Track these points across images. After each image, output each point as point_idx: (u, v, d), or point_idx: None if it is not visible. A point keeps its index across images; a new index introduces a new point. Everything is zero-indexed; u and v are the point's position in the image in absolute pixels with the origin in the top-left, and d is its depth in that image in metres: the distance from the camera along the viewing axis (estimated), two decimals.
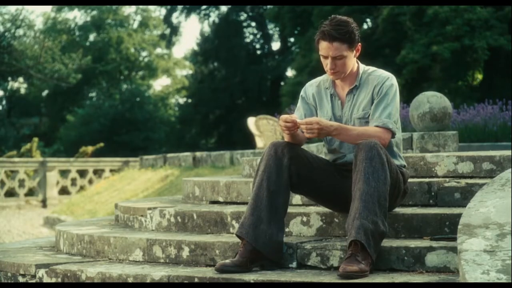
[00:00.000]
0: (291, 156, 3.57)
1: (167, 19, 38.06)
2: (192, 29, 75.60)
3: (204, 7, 34.86)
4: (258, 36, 34.70)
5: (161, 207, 4.54)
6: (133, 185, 15.30)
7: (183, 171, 13.88)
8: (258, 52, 34.18)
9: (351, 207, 3.37)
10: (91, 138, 28.62)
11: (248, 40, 34.68)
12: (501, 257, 2.63)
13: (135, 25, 40.23)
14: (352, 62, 3.67)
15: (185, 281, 3.47)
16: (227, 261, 3.48)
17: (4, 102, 36.80)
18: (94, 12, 38.73)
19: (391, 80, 3.68)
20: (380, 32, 20.26)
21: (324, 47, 3.60)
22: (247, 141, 17.99)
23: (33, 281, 4.05)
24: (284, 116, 3.54)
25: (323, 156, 3.89)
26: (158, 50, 40.00)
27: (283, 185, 3.55)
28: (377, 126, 3.58)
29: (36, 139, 23.40)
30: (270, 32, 34.48)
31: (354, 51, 3.65)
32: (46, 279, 3.95)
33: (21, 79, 36.08)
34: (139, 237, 4.09)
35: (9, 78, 34.96)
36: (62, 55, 33.52)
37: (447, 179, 4.18)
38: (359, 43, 3.67)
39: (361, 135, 3.53)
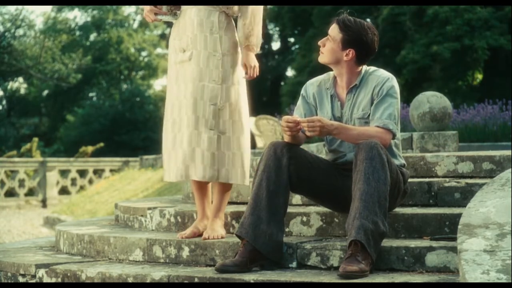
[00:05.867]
0: (290, 156, 3.58)
1: None
2: None
3: None
4: None
5: (161, 207, 4.54)
6: (133, 185, 15.30)
7: None
8: (258, 52, 34.18)
9: (351, 207, 3.37)
10: (91, 138, 28.61)
11: None
12: (501, 257, 2.63)
13: (135, 25, 40.24)
14: (338, 57, 3.67)
15: (185, 281, 3.47)
16: (227, 261, 3.48)
17: (4, 102, 36.82)
18: (94, 12, 38.74)
19: (391, 80, 3.68)
20: (380, 32, 20.15)
21: (331, 23, 3.73)
22: None
23: (33, 281, 4.05)
24: (286, 117, 3.55)
25: (323, 156, 3.89)
26: (158, 50, 40.02)
27: (283, 185, 3.55)
28: (377, 127, 3.58)
29: (36, 139, 23.42)
30: (270, 32, 34.47)
31: (345, 52, 3.65)
32: (46, 279, 3.95)
33: (21, 79, 36.10)
34: (139, 237, 4.09)
35: (9, 78, 34.97)
36: (62, 55, 33.56)
37: (447, 179, 4.18)
38: (353, 50, 3.64)
39: (362, 135, 3.53)
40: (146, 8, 4.02)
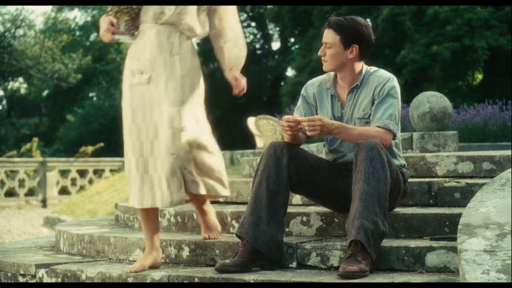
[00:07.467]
0: (290, 156, 3.58)
1: None
2: None
3: None
4: (258, 36, 34.71)
5: (161, 207, 4.54)
6: None
7: None
8: (258, 52, 34.17)
9: (351, 207, 3.37)
10: (91, 138, 28.60)
11: (248, 40, 34.68)
12: (501, 257, 2.63)
13: None
14: (344, 58, 3.67)
15: (185, 281, 3.47)
16: (227, 261, 3.48)
17: (4, 102, 36.83)
18: (94, 12, 38.74)
19: (392, 81, 3.68)
20: (380, 32, 20.24)
21: (323, 31, 3.71)
22: (247, 141, 17.99)
23: (33, 281, 4.05)
24: (286, 116, 3.55)
25: (323, 156, 3.89)
26: None
27: (283, 184, 3.55)
28: (378, 127, 3.58)
29: (36, 139, 23.40)
30: (270, 32, 34.47)
31: (349, 50, 3.66)
32: (46, 279, 3.95)
33: (21, 79, 36.11)
34: (139, 237, 4.09)
35: (9, 78, 34.97)
36: (62, 55, 33.57)
37: (447, 179, 4.18)
38: (357, 45, 3.66)
39: (362, 134, 3.53)
40: (103, 27, 3.75)
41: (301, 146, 3.77)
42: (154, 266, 3.73)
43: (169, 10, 3.72)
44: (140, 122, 3.70)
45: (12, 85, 36.66)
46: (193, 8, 3.76)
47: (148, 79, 3.72)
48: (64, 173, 21.12)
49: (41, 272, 4.00)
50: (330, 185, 3.68)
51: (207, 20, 3.86)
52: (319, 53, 3.73)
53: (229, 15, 3.86)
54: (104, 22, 3.76)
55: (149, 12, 3.74)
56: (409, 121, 6.81)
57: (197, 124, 3.76)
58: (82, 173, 21.23)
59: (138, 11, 3.78)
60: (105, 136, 29.90)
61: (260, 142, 13.85)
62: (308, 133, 3.53)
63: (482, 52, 18.23)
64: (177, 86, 3.70)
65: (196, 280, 3.45)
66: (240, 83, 3.87)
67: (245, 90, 3.89)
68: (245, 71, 4.01)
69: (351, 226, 3.31)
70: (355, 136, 3.54)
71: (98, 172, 21.36)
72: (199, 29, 3.81)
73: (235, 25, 3.88)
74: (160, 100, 3.68)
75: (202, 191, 3.76)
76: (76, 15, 44.55)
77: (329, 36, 3.67)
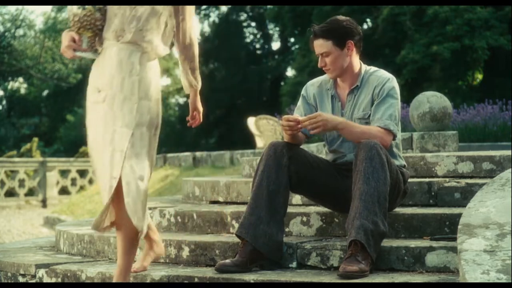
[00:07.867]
0: (290, 156, 3.58)
1: None
2: None
3: (204, 7, 34.83)
4: (258, 36, 34.70)
5: (161, 207, 4.54)
6: None
7: (183, 171, 13.88)
8: (258, 52, 34.16)
9: (351, 207, 3.38)
10: None
11: (248, 40, 34.67)
12: (501, 257, 2.63)
13: None
14: (344, 59, 3.68)
15: (185, 281, 3.47)
16: (227, 261, 3.48)
17: (4, 102, 36.84)
18: None
19: (391, 81, 3.68)
20: (380, 32, 20.26)
21: (312, 45, 3.71)
22: (247, 141, 17.98)
23: (33, 281, 4.05)
24: (287, 116, 3.55)
25: (323, 156, 3.89)
26: None
27: (283, 184, 3.55)
28: (379, 127, 3.58)
29: (36, 139, 23.43)
30: (270, 32, 34.46)
31: (345, 49, 3.66)
32: (46, 279, 3.95)
33: (21, 79, 36.12)
34: None
35: (9, 78, 34.98)
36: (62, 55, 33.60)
37: (447, 179, 4.18)
38: (351, 40, 3.66)
39: (364, 133, 3.53)
40: (64, 43, 3.54)
41: (301, 146, 3.77)
42: (156, 260, 3.73)
43: (130, 28, 3.51)
44: (99, 142, 3.48)
45: (12, 85, 36.66)
46: (155, 25, 3.54)
47: (104, 98, 3.50)
48: (64, 173, 21.13)
49: (41, 272, 4.00)
50: (330, 185, 3.68)
51: (171, 37, 3.65)
52: (319, 65, 3.73)
53: (192, 29, 3.65)
54: (66, 38, 3.56)
55: (110, 29, 3.54)
56: (409, 121, 6.81)
57: (141, 150, 3.47)
58: (82, 173, 21.24)
59: (102, 27, 3.58)
60: None
61: (260, 142, 13.85)
62: (311, 132, 3.53)
63: (482, 52, 18.23)
64: (133, 108, 3.45)
65: (196, 280, 3.45)
66: (197, 116, 3.68)
67: (199, 123, 3.70)
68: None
69: (351, 226, 3.31)
70: (357, 134, 3.54)
71: None
72: (162, 48, 3.59)
73: (195, 41, 3.67)
74: (114, 121, 3.44)
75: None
76: None
77: (321, 45, 3.67)
